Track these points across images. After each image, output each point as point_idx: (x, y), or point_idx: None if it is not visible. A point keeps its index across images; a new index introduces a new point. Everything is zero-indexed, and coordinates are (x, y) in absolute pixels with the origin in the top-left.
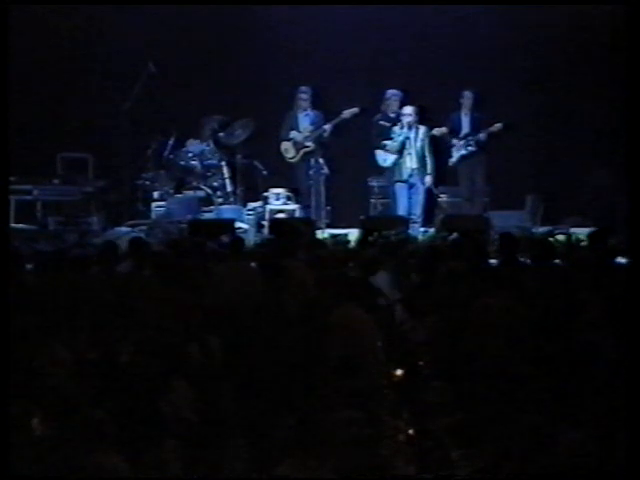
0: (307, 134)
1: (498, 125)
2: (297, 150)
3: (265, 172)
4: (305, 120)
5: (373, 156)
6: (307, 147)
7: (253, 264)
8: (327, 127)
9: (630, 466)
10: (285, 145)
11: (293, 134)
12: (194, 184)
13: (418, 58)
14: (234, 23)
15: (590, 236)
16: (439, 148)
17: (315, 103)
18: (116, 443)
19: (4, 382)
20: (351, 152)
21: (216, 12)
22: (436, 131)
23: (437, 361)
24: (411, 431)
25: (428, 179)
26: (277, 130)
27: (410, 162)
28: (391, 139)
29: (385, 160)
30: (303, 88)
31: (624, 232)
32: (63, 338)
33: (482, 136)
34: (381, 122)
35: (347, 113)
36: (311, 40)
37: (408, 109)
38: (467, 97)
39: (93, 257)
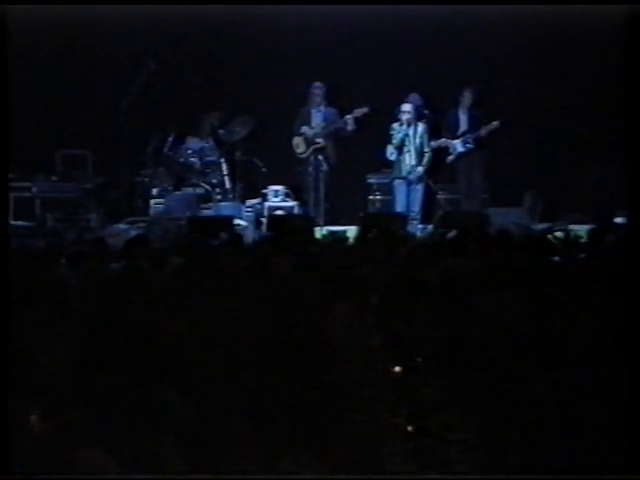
0: (319, 130)
1: (495, 123)
2: (308, 146)
3: (264, 169)
4: (317, 116)
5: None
6: (317, 144)
7: None
8: (348, 118)
9: (629, 462)
10: (297, 140)
11: (304, 129)
12: (193, 181)
13: (417, 56)
14: (236, 20)
15: (589, 233)
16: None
17: (329, 100)
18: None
19: (3, 379)
20: (350, 149)
21: (220, 6)
22: (434, 143)
23: (436, 358)
24: (410, 428)
25: (420, 169)
26: (277, 127)
27: (409, 159)
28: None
29: (392, 154)
30: (317, 84)
31: (624, 229)
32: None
33: (480, 134)
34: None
35: (357, 112)
36: (315, 38)
37: (407, 106)
38: (465, 95)
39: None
